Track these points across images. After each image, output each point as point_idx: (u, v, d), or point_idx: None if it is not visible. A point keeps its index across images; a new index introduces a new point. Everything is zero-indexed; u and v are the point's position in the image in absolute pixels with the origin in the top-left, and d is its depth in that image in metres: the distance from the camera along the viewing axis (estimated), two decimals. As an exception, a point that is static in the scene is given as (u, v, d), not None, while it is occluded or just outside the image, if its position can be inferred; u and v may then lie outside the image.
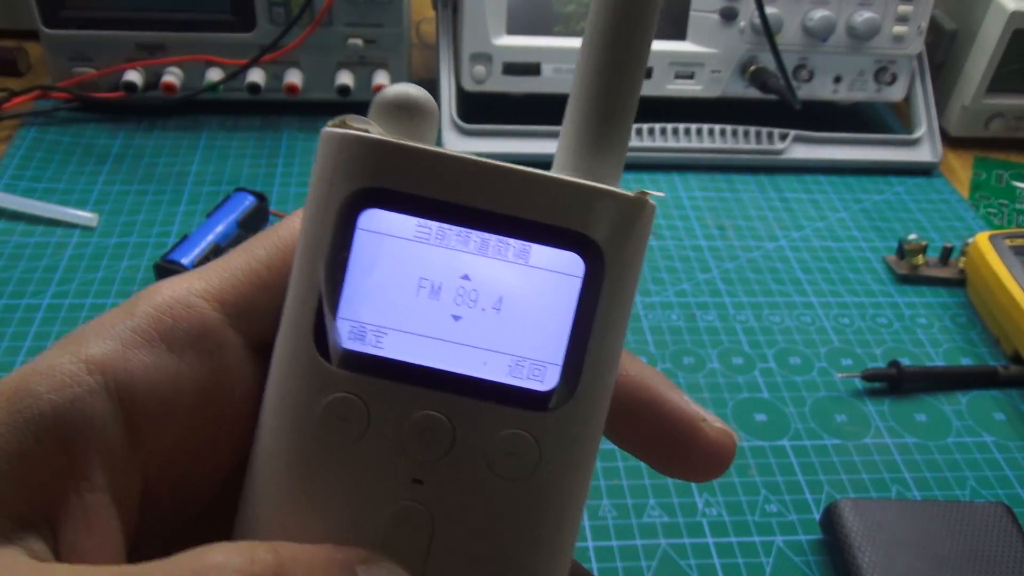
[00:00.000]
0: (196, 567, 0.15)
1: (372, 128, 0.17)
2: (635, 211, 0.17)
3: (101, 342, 0.17)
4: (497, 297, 0.17)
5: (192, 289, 0.18)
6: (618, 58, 0.17)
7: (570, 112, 0.18)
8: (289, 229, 0.19)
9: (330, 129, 0.17)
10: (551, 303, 0.17)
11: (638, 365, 0.20)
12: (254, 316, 0.19)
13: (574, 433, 0.17)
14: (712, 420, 0.20)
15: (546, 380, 0.17)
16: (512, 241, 0.17)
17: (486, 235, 0.17)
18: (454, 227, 0.17)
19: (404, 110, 0.17)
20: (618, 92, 0.18)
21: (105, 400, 0.17)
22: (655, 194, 0.17)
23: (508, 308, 0.17)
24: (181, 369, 0.18)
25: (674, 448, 0.20)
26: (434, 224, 0.17)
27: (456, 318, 0.17)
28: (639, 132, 0.71)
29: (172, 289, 0.18)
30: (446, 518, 0.17)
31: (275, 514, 0.18)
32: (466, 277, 0.17)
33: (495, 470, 0.17)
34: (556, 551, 0.18)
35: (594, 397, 0.17)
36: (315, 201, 0.17)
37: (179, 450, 0.18)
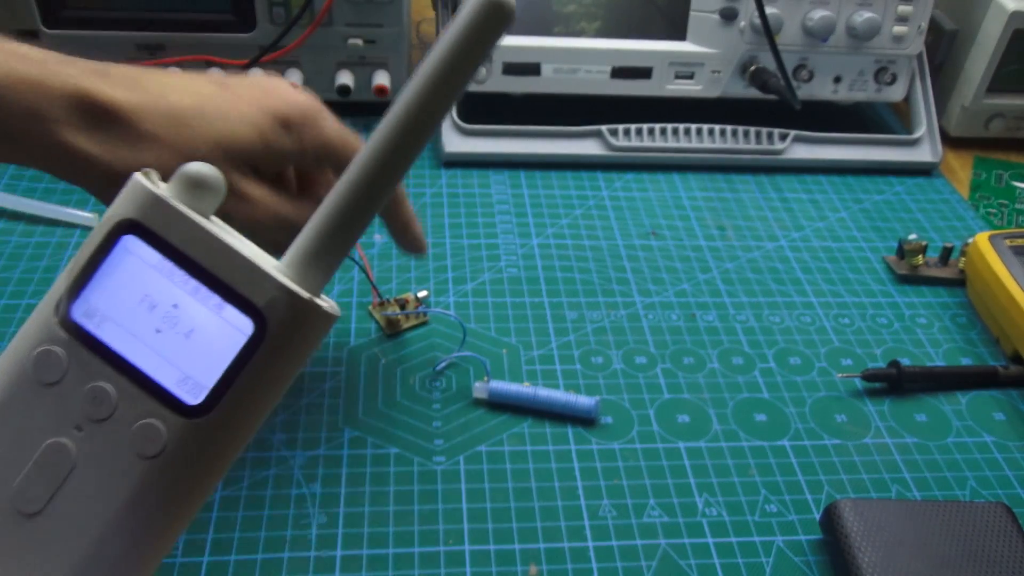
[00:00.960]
0: None
1: (163, 187, 0.24)
2: (308, 309, 0.23)
3: None
4: (190, 328, 0.23)
5: None
6: (364, 214, 0.24)
7: (316, 215, 0.24)
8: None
9: (138, 176, 0.24)
10: (222, 347, 0.23)
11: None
12: None
13: (197, 440, 0.23)
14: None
15: (196, 397, 0.23)
16: (216, 296, 0.23)
17: (200, 286, 0.23)
18: (181, 271, 0.23)
19: (192, 184, 0.24)
20: (348, 237, 0.24)
21: None
22: (328, 304, 0.24)
23: (194, 338, 0.23)
24: None
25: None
26: (169, 264, 0.23)
27: (158, 331, 0.23)
28: (639, 132, 0.71)
29: None
30: (84, 463, 0.23)
31: None
32: (176, 306, 0.23)
33: (133, 444, 0.23)
34: (154, 530, 0.23)
35: (224, 421, 0.23)
36: (103, 219, 0.24)
37: None
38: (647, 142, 0.71)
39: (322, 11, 0.67)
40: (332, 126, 0.40)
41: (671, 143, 0.71)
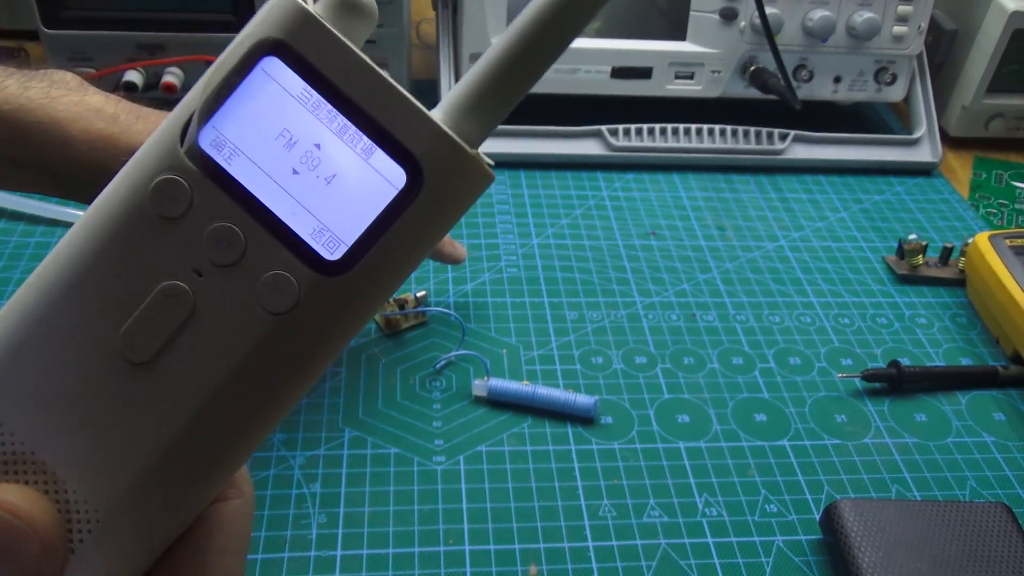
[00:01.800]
0: None
1: (312, 7, 0.21)
2: (469, 163, 0.21)
3: None
4: (332, 173, 0.20)
5: None
6: (540, 56, 0.21)
7: (481, 63, 0.21)
8: None
9: None
10: (367, 199, 0.20)
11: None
12: None
13: (330, 301, 0.21)
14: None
15: (333, 253, 0.20)
16: (365, 138, 0.20)
17: (348, 124, 0.20)
18: (328, 105, 0.20)
19: (345, 7, 0.21)
20: (516, 86, 0.21)
21: None
22: (488, 163, 0.21)
23: (335, 185, 0.20)
24: None
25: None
26: (315, 94, 0.20)
27: (295, 172, 0.20)
28: (639, 132, 0.71)
29: None
30: (203, 312, 0.21)
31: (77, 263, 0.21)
32: (318, 146, 0.20)
33: (260, 297, 0.20)
34: (272, 394, 0.21)
35: (361, 284, 0.21)
36: (239, 37, 0.21)
37: None
38: (647, 142, 0.71)
39: (322, 11, 0.66)
40: None
41: (671, 143, 0.71)
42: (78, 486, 0.20)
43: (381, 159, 0.20)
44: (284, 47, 0.20)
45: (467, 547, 0.42)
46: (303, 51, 0.20)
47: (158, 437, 0.21)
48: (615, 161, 0.71)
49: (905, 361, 0.53)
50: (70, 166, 0.37)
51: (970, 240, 0.59)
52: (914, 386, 0.52)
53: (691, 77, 0.72)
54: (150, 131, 0.37)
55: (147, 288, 0.20)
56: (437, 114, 0.21)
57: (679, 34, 0.71)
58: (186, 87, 0.69)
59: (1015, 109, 0.76)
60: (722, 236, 0.64)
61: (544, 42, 0.21)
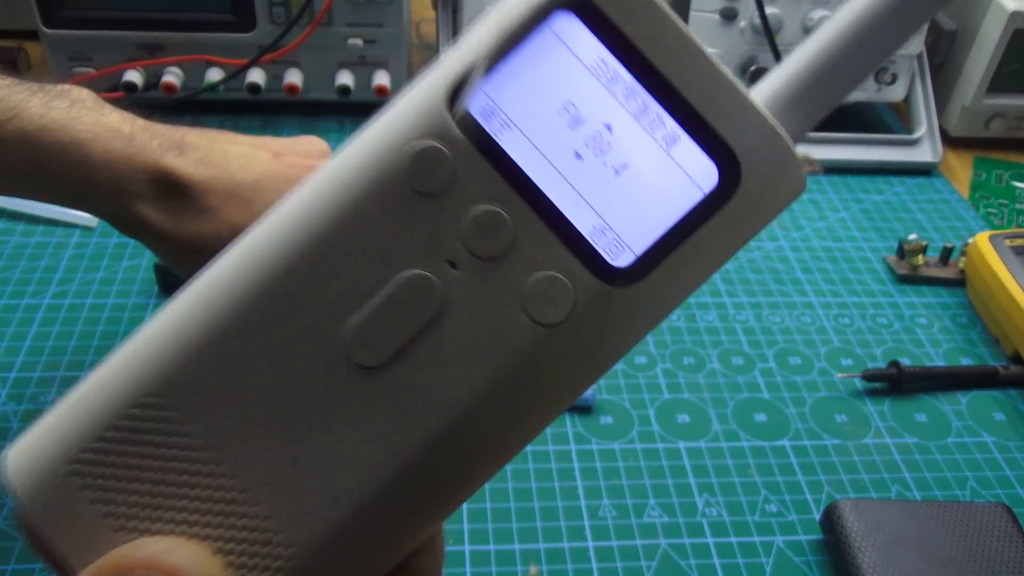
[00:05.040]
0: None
1: None
2: (790, 166, 0.17)
3: None
4: (623, 163, 0.17)
5: None
6: (883, 45, 0.18)
7: (811, 47, 0.18)
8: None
9: None
10: (665, 199, 0.17)
11: None
12: None
13: (610, 316, 0.17)
14: None
15: (617, 259, 0.17)
16: (669, 121, 0.17)
17: (651, 101, 0.16)
18: (629, 77, 0.16)
19: None
20: (847, 80, 0.18)
21: None
22: (814, 169, 0.17)
23: (626, 178, 0.17)
24: None
25: None
26: (614, 63, 0.16)
27: (578, 156, 0.17)
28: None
29: None
30: (454, 313, 0.17)
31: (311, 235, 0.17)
32: (608, 128, 0.17)
33: (524, 301, 0.17)
34: (523, 422, 0.17)
35: (648, 299, 0.17)
36: None
37: None
38: (647, 142, 0.71)
39: (322, 11, 0.67)
40: None
41: (671, 143, 0.71)
42: (274, 514, 0.17)
43: (688, 151, 0.17)
44: (586, 3, 0.16)
45: (467, 547, 0.42)
46: (608, 9, 0.16)
47: (383, 462, 0.17)
48: (615, 161, 0.70)
49: (905, 361, 0.53)
50: (88, 185, 0.38)
51: (970, 240, 0.59)
52: (914, 386, 0.52)
53: (691, 77, 0.71)
54: (162, 150, 0.39)
55: (387, 275, 0.17)
56: (761, 100, 0.17)
57: (679, 34, 0.71)
58: (186, 87, 0.69)
59: (1015, 109, 0.76)
60: (722, 236, 0.64)
61: (888, 29, 0.17)
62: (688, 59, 0.16)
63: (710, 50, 0.17)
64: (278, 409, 0.17)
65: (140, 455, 0.16)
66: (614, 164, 0.17)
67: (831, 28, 0.18)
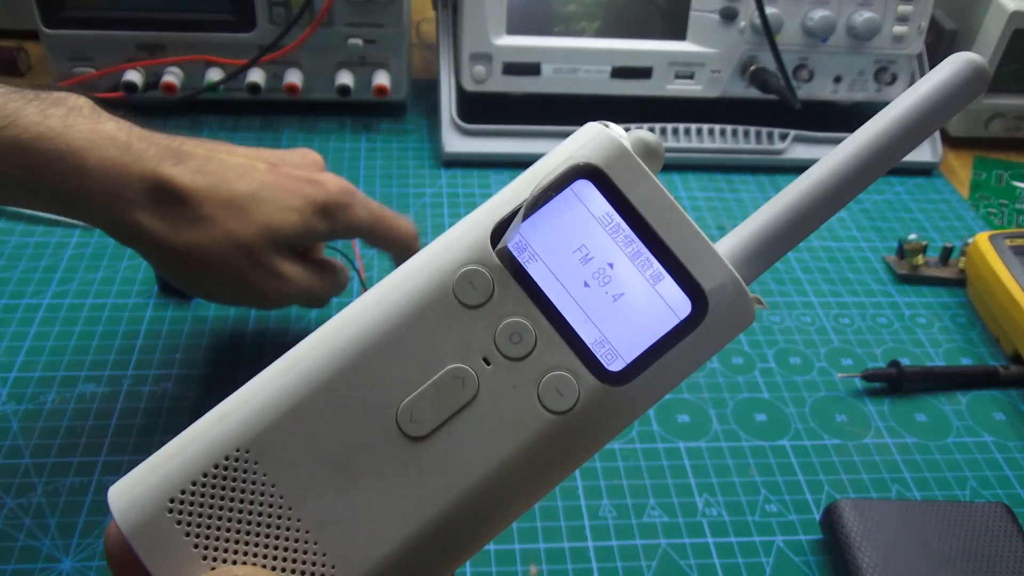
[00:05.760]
0: None
1: (623, 139, 0.23)
2: (744, 304, 0.22)
3: None
4: (620, 292, 0.22)
5: None
6: (808, 228, 0.23)
7: (767, 216, 0.23)
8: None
9: (599, 125, 0.23)
10: (650, 320, 0.22)
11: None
12: None
13: (605, 409, 0.22)
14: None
15: (612, 364, 0.22)
16: (656, 264, 0.22)
17: (643, 248, 0.22)
18: (627, 229, 0.22)
19: (648, 148, 0.23)
20: (788, 245, 0.23)
21: None
22: (762, 306, 0.23)
23: (621, 303, 0.22)
24: None
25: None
26: (618, 218, 0.22)
27: (586, 285, 0.22)
28: (639, 132, 0.71)
29: None
30: (484, 399, 0.22)
31: (370, 330, 0.22)
32: (611, 265, 0.22)
33: (539, 392, 0.22)
34: (530, 488, 0.22)
35: (633, 398, 0.22)
36: (555, 157, 0.23)
37: None
38: (647, 142, 0.71)
39: (322, 11, 0.67)
40: (362, 211, 0.44)
41: (671, 143, 0.71)
42: (330, 551, 0.21)
43: (669, 287, 0.22)
44: (599, 174, 0.22)
45: (467, 547, 0.42)
46: (616, 179, 0.22)
47: (421, 512, 0.21)
48: (615, 161, 0.71)
49: (905, 361, 0.53)
50: (83, 193, 0.37)
51: (970, 240, 0.59)
52: (914, 386, 0.52)
53: (691, 77, 0.72)
54: (159, 158, 0.39)
55: (436, 367, 0.22)
56: (723, 253, 0.23)
57: (679, 34, 0.71)
58: (186, 87, 0.69)
59: (1015, 109, 0.76)
60: (722, 236, 0.64)
61: (825, 209, 0.23)
62: (673, 219, 0.22)
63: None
64: (341, 467, 0.21)
65: (228, 498, 0.21)
66: (613, 293, 0.22)
67: (789, 196, 0.23)
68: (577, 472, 0.45)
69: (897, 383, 0.52)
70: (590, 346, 0.22)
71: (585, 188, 0.22)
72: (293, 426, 0.21)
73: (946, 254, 0.61)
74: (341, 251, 0.57)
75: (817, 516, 0.44)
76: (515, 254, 0.22)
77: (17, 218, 0.60)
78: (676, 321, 0.22)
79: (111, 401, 0.47)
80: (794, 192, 0.23)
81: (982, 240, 0.58)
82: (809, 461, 0.47)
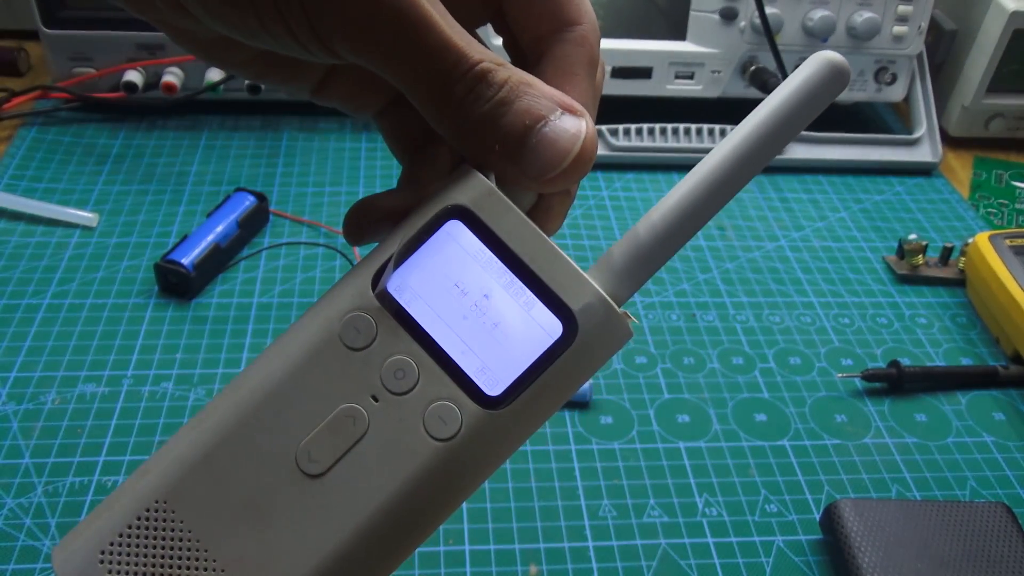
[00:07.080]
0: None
1: (492, 180, 0.24)
2: (615, 321, 0.23)
3: None
4: (497, 321, 0.23)
5: None
6: (679, 240, 0.25)
7: (635, 234, 0.25)
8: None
9: (466, 165, 0.24)
10: (526, 344, 0.23)
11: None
12: None
13: (488, 432, 0.23)
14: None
15: (492, 390, 0.23)
16: (528, 293, 0.23)
17: (515, 279, 0.23)
18: (499, 262, 0.23)
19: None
20: (661, 259, 0.25)
21: None
22: (632, 320, 0.24)
23: (499, 331, 0.23)
24: None
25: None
26: (489, 254, 0.23)
27: (465, 317, 0.23)
28: (639, 132, 0.71)
29: None
30: (375, 433, 0.23)
31: (268, 375, 0.23)
32: (486, 296, 0.23)
33: (427, 424, 0.23)
34: (426, 514, 0.23)
35: (515, 419, 0.23)
36: (428, 200, 0.24)
37: None
38: (647, 142, 0.71)
39: (322, 11, 0.66)
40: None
41: (671, 143, 0.71)
42: None
43: (541, 312, 0.23)
44: (468, 213, 0.23)
45: (467, 547, 0.42)
46: (483, 217, 0.23)
47: (323, 544, 0.22)
48: (615, 161, 0.71)
49: (905, 361, 0.53)
50: None
51: (970, 240, 0.59)
52: (914, 386, 0.52)
53: (691, 77, 0.72)
54: None
55: (329, 408, 0.23)
56: (593, 275, 0.24)
57: (679, 34, 0.71)
58: (186, 87, 0.69)
59: (1015, 109, 0.76)
60: (722, 236, 0.64)
61: (693, 222, 0.25)
62: (539, 248, 0.23)
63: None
64: (250, 508, 0.22)
65: (150, 546, 0.22)
66: (490, 322, 0.23)
67: (652, 216, 0.25)
68: (577, 472, 0.45)
69: (897, 383, 0.52)
70: (470, 375, 0.23)
71: (457, 227, 0.23)
72: (204, 475, 0.23)
73: (946, 254, 0.61)
74: (341, 251, 0.57)
75: (817, 516, 0.44)
76: (395, 296, 0.23)
77: (17, 218, 0.60)
78: (550, 342, 0.23)
79: (111, 401, 0.47)
80: (663, 208, 0.25)
81: (982, 240, 0.58)
82: (809, 461, 0.47)
